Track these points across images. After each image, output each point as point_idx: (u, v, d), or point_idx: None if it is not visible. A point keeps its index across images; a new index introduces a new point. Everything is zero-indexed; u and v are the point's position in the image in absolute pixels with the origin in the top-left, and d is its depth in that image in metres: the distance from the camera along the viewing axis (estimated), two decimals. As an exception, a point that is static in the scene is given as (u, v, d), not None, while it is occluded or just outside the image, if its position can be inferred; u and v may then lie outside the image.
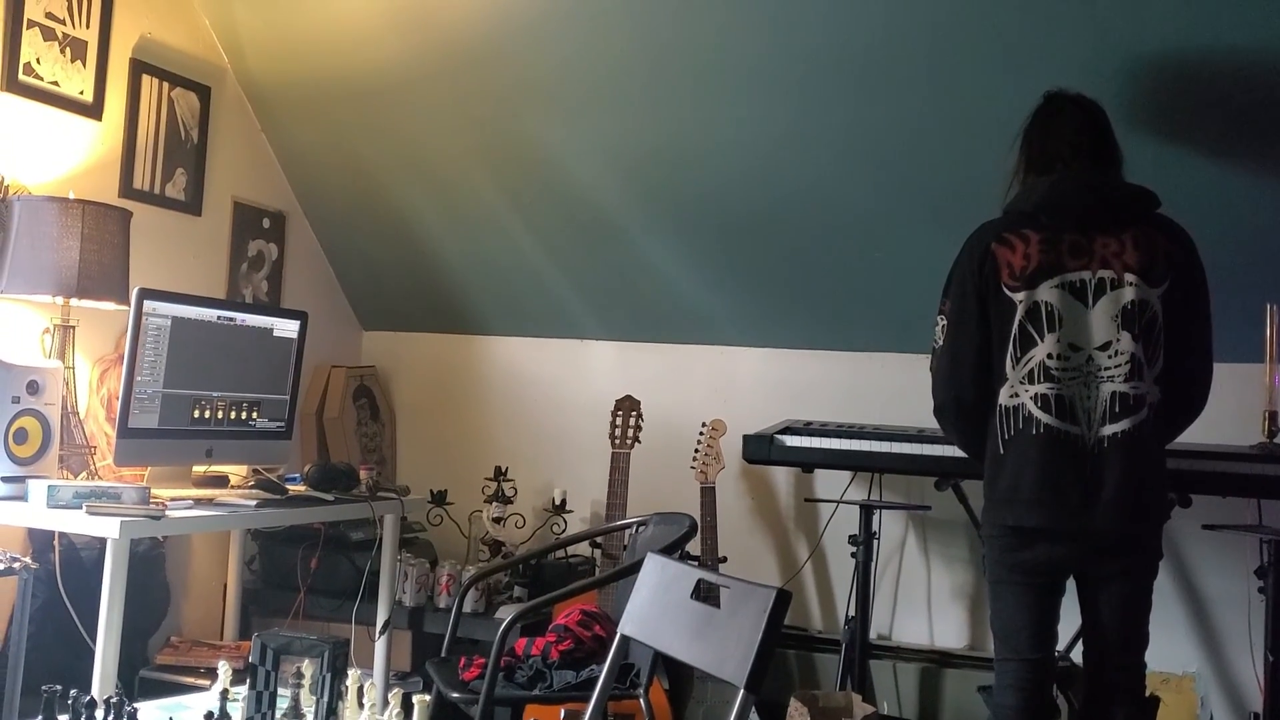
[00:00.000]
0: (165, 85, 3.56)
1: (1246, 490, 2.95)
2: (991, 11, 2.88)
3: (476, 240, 4.10)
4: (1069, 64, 2.85)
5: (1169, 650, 3.39)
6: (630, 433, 3.74)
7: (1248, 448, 2.99)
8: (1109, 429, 2.32)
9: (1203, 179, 3.03)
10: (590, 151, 3.64)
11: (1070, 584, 2.44)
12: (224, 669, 2.31)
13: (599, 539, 3.69)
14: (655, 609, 1.93)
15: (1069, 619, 2.46)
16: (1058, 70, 2.74)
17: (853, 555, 3.34)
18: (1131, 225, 2.37)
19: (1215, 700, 3.40)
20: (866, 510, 3.34)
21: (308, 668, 2.09)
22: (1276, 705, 2.86)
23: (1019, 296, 2.38)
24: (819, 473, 3.82)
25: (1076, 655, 2.71)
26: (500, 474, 4.01)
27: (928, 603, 3.75)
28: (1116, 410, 2.32)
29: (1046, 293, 2.37)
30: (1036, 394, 2.36)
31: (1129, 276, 2.34)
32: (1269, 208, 3.04)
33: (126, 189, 3.42)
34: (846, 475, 3.74)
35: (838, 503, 3.72)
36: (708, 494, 3.63)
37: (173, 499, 2.77)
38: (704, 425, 3.70)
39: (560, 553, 3.80)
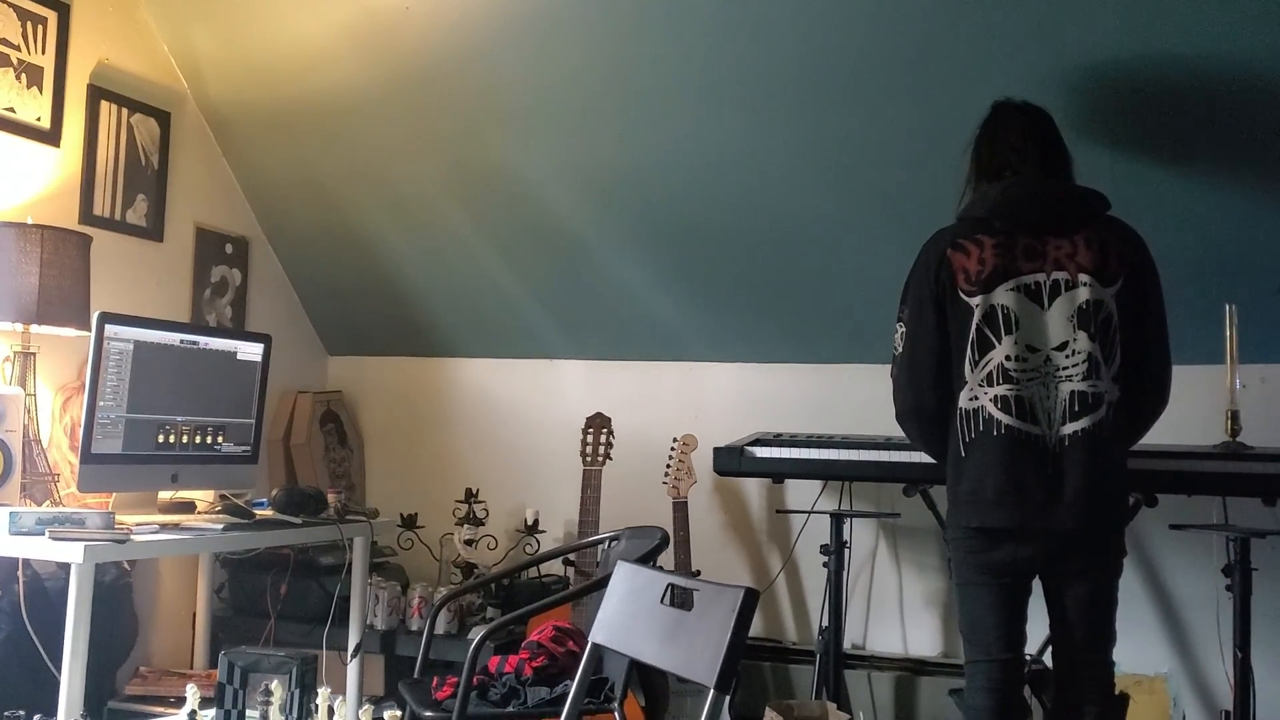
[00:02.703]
0: (124, 111, 3.55)
1: (1211, 489, 2.99)
2: (948, 22, 2.91)
3: (441, 261, 4.09)
4: (1026, 74, 2.88)
5: (1140, 652, 3.42)
6: (601, 450, 3.73)
7: (1212, 447, 3.02)
8: (1069, 428, 2.34)
9: (1161, 184, 3.06)
10: (551, 169, 3.65)
11: (1037, 585, 2.45)
12: (192, 692, 2.29)
13: (572, 556, 3.68)
14: (625, 616, 1.93)
15: (1040, 621, 2.47)
16: (1015, 80, 2.78)
17: (825, 565, 3.34)
18: (1083, 227, 2.41)
19: (1187, 700, 3.42)
20: (837, 519, 3.35)
21: (276, 686, 2.07)
22: (1246, 702, 2.89)
23: (975, 301, 2.41)
24: (790, 485, 3.83)
25: (1049, 659, 2.71)
26: (471, 496, 4.00)
27: (900, 611, 3.76)
28: (1076, 409, 2.34)
29: (1002, 296, 2.39)
30: (996, 396, 2.38)
31: (1083, 277, 2.37)
32: (1226, 210, 3.08)
33: (86, 216, 3.40)
34: (817, 487, 3.76)
35: (809, 513, 3.73)
36: (680, 509, 3.63)
37: (138, 524, 2.74)
38: (675, 441, 3.71)
39: (534, 571, 3.79)
